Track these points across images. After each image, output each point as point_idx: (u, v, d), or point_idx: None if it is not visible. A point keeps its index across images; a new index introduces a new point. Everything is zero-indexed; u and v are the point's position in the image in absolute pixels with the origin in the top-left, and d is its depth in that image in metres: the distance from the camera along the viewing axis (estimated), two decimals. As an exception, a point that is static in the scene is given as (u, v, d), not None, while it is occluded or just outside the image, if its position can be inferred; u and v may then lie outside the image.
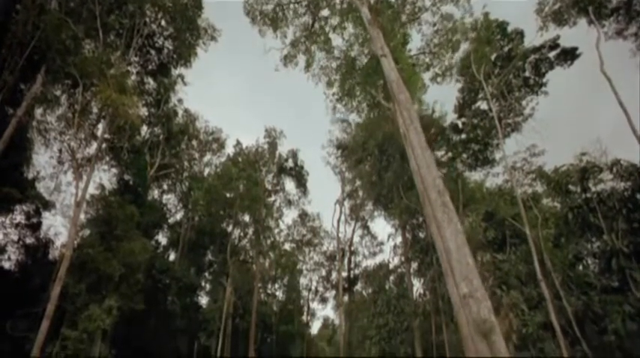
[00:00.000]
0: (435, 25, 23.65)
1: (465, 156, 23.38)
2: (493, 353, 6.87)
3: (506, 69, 20.13)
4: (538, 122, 19.98)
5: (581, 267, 17.88)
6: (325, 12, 25.17)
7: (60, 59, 20.38)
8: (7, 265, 24.77)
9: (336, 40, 26.08)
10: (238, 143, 37.15)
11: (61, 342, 18.65)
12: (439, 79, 23.85)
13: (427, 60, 24.74)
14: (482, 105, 21.86)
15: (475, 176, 25.03)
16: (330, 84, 27.96)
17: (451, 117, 25.04)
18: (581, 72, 21.11)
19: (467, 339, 7.80)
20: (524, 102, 20.94)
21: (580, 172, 17.98)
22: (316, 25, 25.78)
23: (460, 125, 23.11)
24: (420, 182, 10.19)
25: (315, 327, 48.58)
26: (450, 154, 24.14)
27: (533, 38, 20.58)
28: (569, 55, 19.97)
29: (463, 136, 23.19)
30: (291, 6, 25.46)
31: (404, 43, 23.29)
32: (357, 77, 23.67)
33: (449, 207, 8.84)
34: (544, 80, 20.71)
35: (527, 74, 20.88)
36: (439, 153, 26.34)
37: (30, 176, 24.65)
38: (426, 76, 24.35)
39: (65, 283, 19.20)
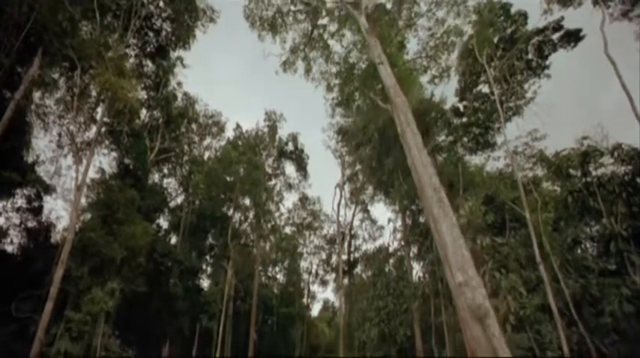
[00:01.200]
0: (430, 29, 24.17)
1: (465, 139, 23.27)
2: (488, 335, 7.35)
3: (510, 52, 19.89)
4: (540, 106, 19.83)
5: (579, 251, 17.99)
6: (324, 20, 25.73)
7: (57, 41, 20.12)
8: (9, 248, 24.98)
9: (335, 46, 26.85)
10: (238, 126, 37.00)
11: (65, 324, 18.92)
12: (436, 81, 24.44)
13: (424, 63, 25.26)
14: (484, 88, 21.69)
15: (476, 160, 25.00)
16: (329, 88, 28.69)
17: (451, 101, 24.99)
18: (584, 55, 20.87)
19: (464, 321, 8.24)
20: (526, 86, 20.75)
21: (581, 156, 17.95)
22: (315, 32, 26.39)
23: (461, 108, 22.95)
24: (418, 180, 10.80)
25: (315, 309, 49.37)
26: (450, 138, 24.04)
27: (537, 21, 20.31)
28: (573, 37, 19.69)
29: (464, 120, 23.05)
30: (291, 13, 25.97)
31: (401, 47, 23.72)
32: (356, 82, 24.17)
33: (444, 203, 9.37)
34: (547, 63, 20.48)
35: (529, 56, 20.63)
36: (440, 138, 26.30)
37: (30, 160, 24.63)
38: (424, 79, 24.90)
39: (67, 266, 19.38)
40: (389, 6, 24.31)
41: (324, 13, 25.28)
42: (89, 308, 19.11)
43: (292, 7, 25.67)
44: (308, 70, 27.33)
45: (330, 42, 26.46)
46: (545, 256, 15.78)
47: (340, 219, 37.50)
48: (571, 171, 18.68)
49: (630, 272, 15.23)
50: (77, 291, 20.17)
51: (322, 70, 27.72)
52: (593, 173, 17.85)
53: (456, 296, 8.50)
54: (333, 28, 26.01)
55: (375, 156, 26.49)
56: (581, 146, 18.18)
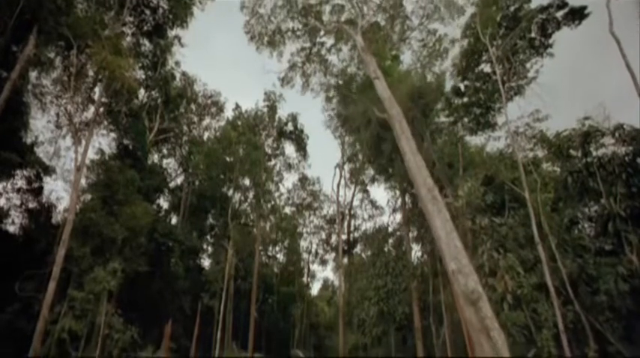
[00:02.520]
0: (422, 40, 26.02)
1: (466, 120, 23.14)
2: (480, 316, 8.05)
3: (513, 31, 19.57)
4: (542, 86, 19.64)
5: (576, 231, 18.13)
6: (323, 38, 27.37)
7: (52, 19, 19.77)
8: (11, 229, 25.16)
9: (333, 59, 28.57)
10: (237, 106, 36.75)
11: (68, 302, 19.20)
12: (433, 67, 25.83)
13: (419, 71, 26.59)
14: (486, 68, 21.44)
15: (476, 140, 24.93)
16: (328, 99, 31.46)
17: (451, 81, 24.87)
18: (588, 34, 20.55)
19: (459, 305, 9.32)
20: (528, 65, 20.48)
21: (582, 136, 17.87)
22: (314, 49, 28.13)
23: (462, 88, 22.75)
24: (413, 180, 11.95)
25: (315, 288, 49.96)
26: (451, 118, 23.91)
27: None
28: (578, 15, 19.33)
29: (465, 100, 22.87)
30: (289, 32, 27.46)
31: (395, 59, 25.01)
32: (354, 94, 25.34)
33: (438, 200, 10.29)
34: (550, 41, 20.18)
35: (532, 35, 20.32)
36: (439, 120, 26.22)
37: (29, 141, 24.56)
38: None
39: (69, 246, 19.56)
40: (383, 23, 26.07)
41: (321, 32, 26.60)
42: (92, 287, 19.36)
43: (291, 25, 27.22)
44: (306, 86, 29.14)
45: (328, 57, 28.32)
46: (543, 236, 15.91)
47: (340, 199, 37.66)
48: (571, 151, 18.63)
49: (627, 251, 15.38)
50: (79, 271, 20.40)
51: (321, 82, 29.71)
52: (594, 153, 17.81)
53: (452, 283, 9.29)
54: (330, 42, 27.70)
55: (375, 140, 26.45)
56: (582, 126, 18.07)
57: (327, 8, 26.00)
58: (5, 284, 20.33)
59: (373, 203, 40.89)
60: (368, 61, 17.55)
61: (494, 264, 16.05)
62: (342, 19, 25.05)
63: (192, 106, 35.74)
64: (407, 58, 28.08)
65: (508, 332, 14.58)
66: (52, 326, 18.26)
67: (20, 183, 24.95)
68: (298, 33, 27.70)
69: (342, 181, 37.44)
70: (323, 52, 27.99)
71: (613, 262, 15.32)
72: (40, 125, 25.47)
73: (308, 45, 27.94)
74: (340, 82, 28.17)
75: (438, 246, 10.12)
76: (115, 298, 22.42)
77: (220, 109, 37.96)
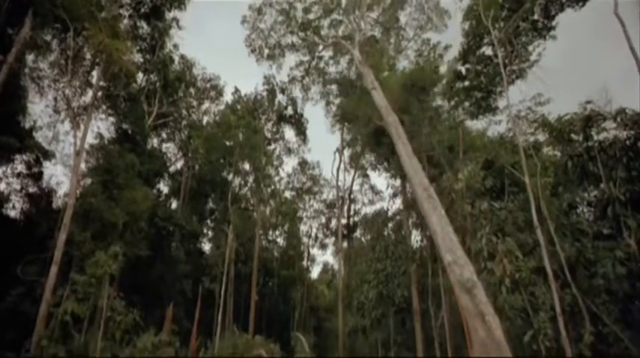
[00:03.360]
0: (418, 50, 27.04)
1: (467, 104, 23.02)
2: (475, 302, 8.50)
3: (516, 13, 19.27)
4: (544, 69, 19.45)
5: (574, 215, 18.18)
6: (322, 52, 29.22)
7: (47, 1, 19.47)
8: (12, 214, 25.22)
9: (332, 69, 30.36)
10: (237, 90, 36.47)
11: (70, 286, 19.40)
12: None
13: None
14: (488, 50, 21.21)
15: (477, 125, 24.84)
16: (328, 104, 33.13)
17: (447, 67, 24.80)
18: (591, 17, 20.25)
19: (456, 293, 9.59)
20: (530, 48, 20.26)
21: (583, 120, 17.76)
22: (312, 63, 30.06)
23: (463, 72, 22.55)
24: (410, 181, 13.01)
25: (315, 272, 50.35)
26: (452, 102, 23.78)
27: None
28: (582, -5, 19.05)
29: (466, 83, 22.70)
30: (289, 47, 29.20)
31: (392, 68, 26.33)
32: (354, 100, 26.30)
33: (433, 198, 11.08)
34: (553, 23, 19.92)
35: (535, 17, 20.04)
36: (437, 104, 26.14)
37: (27, 125, 24.43)
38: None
39: (70, 231, 19.67)
40: (379, 36, 27.38)
41: (320, 47, 28.25)
42: (93, 271, 19.52)
43: (291, 40, 29.02)
44: (306, 98, 32.07)
45: (327, 69, 30.39)
46: (542, 220, 15.96)
47: (340, 183, 37.67)
48: (572, 135, 18.55)
49: (625, 235, 15.45)
50: (81, 255, 20.54)
51: (320, 91, 32.01)
52: (595, 138, 17.74)
53: (448, 274, 9.83)
54: (328, 55, 29.55)
55: (374, 132, 26.45)
56: (584, 110, 17.94)
57: (326, 23, 27.28)
58: (7, 268, 20.50)
59: (373, 188, 40.94)
60: (365, 73, 18.68)
61: (492, 248, 16.14)
62: (340, 33, 26.51)
63: (191, 90, 35.45)
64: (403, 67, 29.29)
65: (506, 315, 14.77)
66: (54, 309, 18.49)
67: (20, 167, 24.92)
68: (297, 47, 29.31)
69: (342, 166, 37.40)
70: (322, 65, 30.03)
71: (611, 246, 15.41)
72: (39, 109, 25.38)
73: (307, 58, 29.87)
74: (339, 89, 29.55)
75: (435, 240, 10.69)
76: (117, 282, 22.65)
77: (219, 93, 37.68)
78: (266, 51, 29.06)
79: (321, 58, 29.57)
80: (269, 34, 28.89)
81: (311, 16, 27.47)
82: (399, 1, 26.13)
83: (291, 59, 30.33)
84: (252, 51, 28.99)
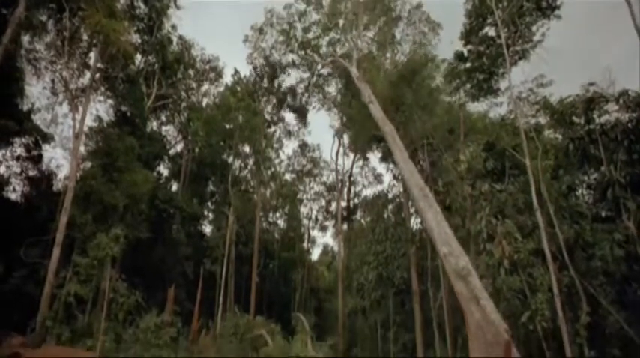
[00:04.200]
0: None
1: (468, 86, 22.79)
2: (470, 288, 8.99)
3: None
4: (547, 50, 19.17)
5: (573, 198, 18.21)
6: (321, 70, 31.15)
7: (42, -20, 19.13)
8: (13, 197, 25.29)
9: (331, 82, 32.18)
10: (236, 72, 36.07)
11: (73, 268, 19.60)
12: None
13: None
14: (490, 31, 20.87)
15: (479, 107, 24.64)
16: (329, 109, 34.92)
17: (447, 48, 24.56)
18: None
19: (452, 281, 10.05)
20: (534, 28, 19.92)
21: (585, 103, 17.62)
22: (312, 80, 32.27)
23: (465, 53, 22.26)
24: (406, 182, 14.13)
25: (315, 253, 50.72)
26: (453, 84, 23.53)
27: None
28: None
29: (468, 65, 22.43)
30: (289, 64, 31.51)
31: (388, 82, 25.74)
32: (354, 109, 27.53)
33: (429, 197, 11.83)
34: (558, 3, 19.55)
35: (540, -4, 19.66)
36: (434, 84, 25.94)
37: (25, 108, 24.28)
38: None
39: (71, 213, 19.76)
40: (376, 52, 28.22)
41: (319, 66, 30.07)
42: (95, 253, 19.68)
43: (291, 58, 31.20)
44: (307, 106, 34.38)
45: (326, 87, 32.50)
46: (542, 203, 15.99)
47: (339, 166, 37.62)
48: (574, 118, 18.42)
49: (624, 218, 15.51)
50: (83, 237, 20.70)
51: (320, 99, 34.06)
52: (597, 120, 17.62)
53: (444, 264, 10.42)
54: (327, 71, 31.49)
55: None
56: (586, 92, 17.77)
57: (324, 42, 28.75)
58: (10, 250, 20.68)
59: (373, 170, 40.93)
60: (362, 89, 19.74)
61: (492, 229, 16.23)
62: (338, 51, 27.87)
63: (190, 72, 35.07)
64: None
65: (504, 297, 14.96)
66: (58, 290, 18.73)
67: (19, 150, 24.89)
68: (298, 64, 31.36)
69: (342, 149, 37.28)
70: (321, 81, 32.19)
71: (610, 228, 15.49)
72: (36, 91, 25.16)
73: (307, 75, 32.02)
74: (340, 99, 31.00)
75: (431, 235, 11.37)
76: (119, 264, 22.87)
77: (219, 75, 37.27)
78: (267, 69, 31.75)
79: (320, 75, 31.59)
80: (270, 52, 31.07)
81: (310, 35, 28.94)
82: (393, 19, 27.43)
83: (292, 77, 33.08)
84: (254, 68, 31.85)
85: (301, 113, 38.41)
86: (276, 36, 30.11)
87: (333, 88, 31.38)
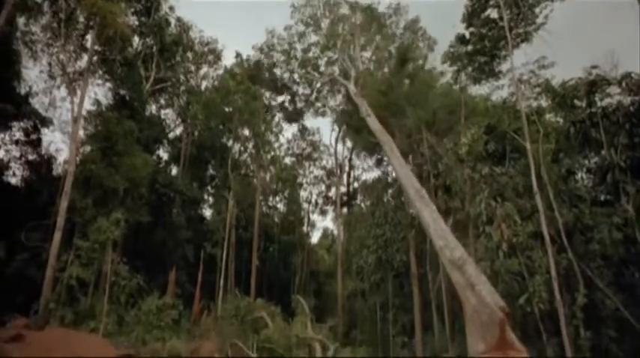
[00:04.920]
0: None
1: (469, 69, 22.56)
2: (466, 277, 9.11)
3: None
4: (550, 33, 18.89)
5: (573, 181, 18.21)
6: (321, 87, 33.38)
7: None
8: (13, 181, 25.28)
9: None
10: (238, 55, 35.74)
11: (74, 251, 19.71)
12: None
13: None
14: (493, 13, 20.55)
15: (480, 90, 24.45)
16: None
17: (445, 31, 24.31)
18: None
19: (448, 272, 10.28)
20: (537, 10, 19.60)
21: (587, 86, 17.47)
22: (312, 96, 34.83)
23: (467, 35, 21.96)
24: (403, 186, 14.64)
25: (315, 237, 50.94)
26: (454, 67, 23.28)
27: None
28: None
29: (469, 48, 22.15)
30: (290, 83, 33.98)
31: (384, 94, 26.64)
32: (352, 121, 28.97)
33: (424, 197, 12.37)
34: (562, -17, 19.20)
35: (544, -24, 19.30)
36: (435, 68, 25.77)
37: (23, 91, 24.07)
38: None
39: (72, 197, 19.78)
40: (372, 68, 30.12)
41: (319, 83, 32.52)
42: (96, 236, 19.78)
43: (292, 76, 34.01)
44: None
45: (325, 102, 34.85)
46: (542, 186, 16.00)
47: (338, 153, 37.62)
48: (576, 101, 18.29)
49: (623, 201, 15.55)
50: (83, 221, 20.76)
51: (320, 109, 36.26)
52: (599, 103, 17.50)
53: (441, 257, 10.85)
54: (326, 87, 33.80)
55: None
56: (589, 75, 17.60)
57: (323, 61, 31.42)
58: (11, 234, 20.76)
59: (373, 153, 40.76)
60: (360, 103, 20.81)
61: (491, 212, 16.28)
62: (336, 68, 29.68)
63: (189, 54, 34.67)
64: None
65: (502, 279, 15.08)
66: (60, 273, 18.87)
67: (18, 134, 24.77)
68: (298, 81, 33.67)
69: (341, 134, 37.15)
70: (320, 97, 34.28)
71: (609, 212, 15.54)
72: (33, 75, 24.90)
73: (308, 91, 34.27)
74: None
75: (427, 232, 11.87)
76: (120, 247, 23.00)
77: (218, 57, 36.88)
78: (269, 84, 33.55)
79: (320, 91, 33.73)
80: (272, 71, 33.48)
81: (310, 55, 31.48)
82: (389, 37, 28.94)
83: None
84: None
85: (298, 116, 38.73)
86: (278, 56, 33.06)
87: (333, 102, 33.79)
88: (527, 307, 14.43)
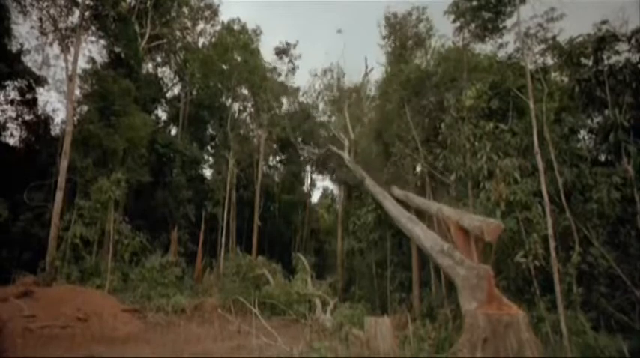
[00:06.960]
0: None
1: (473, 25, 21.76)
2: (455, 259, 10.37)
3: None
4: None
5: (575, 141, 18.05)
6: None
7: None
8: (11, 141, 25.19)
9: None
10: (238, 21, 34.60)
11: (77, 211, 19.95)
12: None
13: None
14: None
15: (485, 49, 23.73)
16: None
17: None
18: None
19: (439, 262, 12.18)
20: (547, -40, 18.68)
21: (595, 42, 16.91)
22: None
23: (472, -11, 21.03)
24: (392, 217, 18.21)
25: (315, 196, 51.28)
26: (457, 24, 22.45)
27: None
28: None
29: (474, 3, 21.26)
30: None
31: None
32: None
33: (414, 219, 15.09)
34: None
35: None
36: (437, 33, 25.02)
37: (14, 49, 23.46)
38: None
39: (72, 158, 19.77)
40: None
41: (317, 151, 36.04)
42: (98, 196, 19.95)
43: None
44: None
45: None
46: (544, 145, 15.88)
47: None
48: (582, 59, 17.77)
49: (624, 161, 15.48)
50: (84, 181, 20.87)
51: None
52: (606, 62, 17.02)
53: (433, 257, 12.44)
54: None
55: None
56: (598, 31, 17.00)
57: (322, 133, 36.00)
58: (13, 195, 20.93)
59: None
60: (354, 169, 24.90)
61: (492, 166, 16.26)
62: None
63: (185, 10, 33.49)
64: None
65: (499, 237, 15.25)
66: (64, 233, 19.19)
67: (13, 94, 24.42)
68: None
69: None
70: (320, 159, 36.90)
71: (609, 172, 15.51)
72: (24, 31, 24.22)
73: (306, 155, 38.99)
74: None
75: (419, 243, 13.91)
76: (122, 207, 23.25)
77: (214, 13, 35.65)
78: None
79: (319, 157, 36.59)
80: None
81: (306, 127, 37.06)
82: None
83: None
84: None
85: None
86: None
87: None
88: (523, 264, 14.73)
